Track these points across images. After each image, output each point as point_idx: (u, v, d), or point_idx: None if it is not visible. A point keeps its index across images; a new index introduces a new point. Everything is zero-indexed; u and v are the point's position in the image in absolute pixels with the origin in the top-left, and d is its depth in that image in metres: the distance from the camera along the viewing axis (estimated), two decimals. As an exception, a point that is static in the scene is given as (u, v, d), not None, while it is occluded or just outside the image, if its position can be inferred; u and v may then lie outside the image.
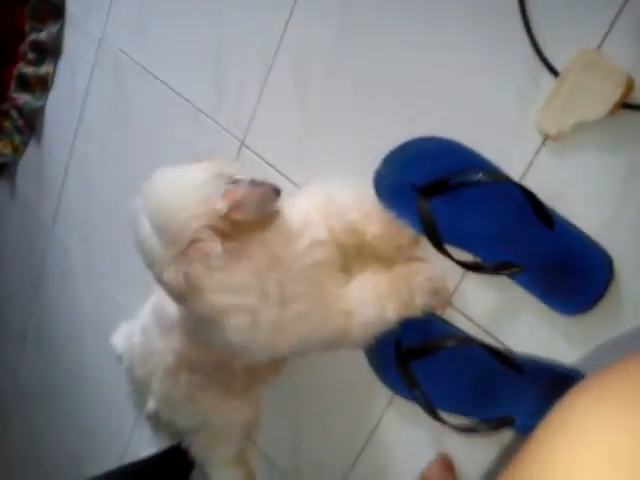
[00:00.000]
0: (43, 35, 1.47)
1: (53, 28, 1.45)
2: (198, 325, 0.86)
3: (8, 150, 1.63)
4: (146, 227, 0.76)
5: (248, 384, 1.08)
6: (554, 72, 0.76)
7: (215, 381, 1.04)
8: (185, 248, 0.73)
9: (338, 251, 0.90)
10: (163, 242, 0.75)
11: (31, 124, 1.58)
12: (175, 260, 0.74)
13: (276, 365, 1.08)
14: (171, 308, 1.00)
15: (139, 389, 1.14)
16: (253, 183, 0.76)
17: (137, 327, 1.11)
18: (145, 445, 1.28)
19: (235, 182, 0.75)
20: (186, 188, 0.76)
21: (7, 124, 1.60)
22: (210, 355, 0.98)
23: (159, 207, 0.76)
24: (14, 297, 1.82)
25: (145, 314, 1.10)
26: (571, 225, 0.77)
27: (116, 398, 1.44)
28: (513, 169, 0.81)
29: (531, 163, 0.80)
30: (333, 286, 0.89)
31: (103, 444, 1.57)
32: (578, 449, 0.43)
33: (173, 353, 1.01)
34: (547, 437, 0.46)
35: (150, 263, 0.78)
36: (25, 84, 1.53)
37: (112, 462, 1.49)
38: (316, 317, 0.86)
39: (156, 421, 1.14)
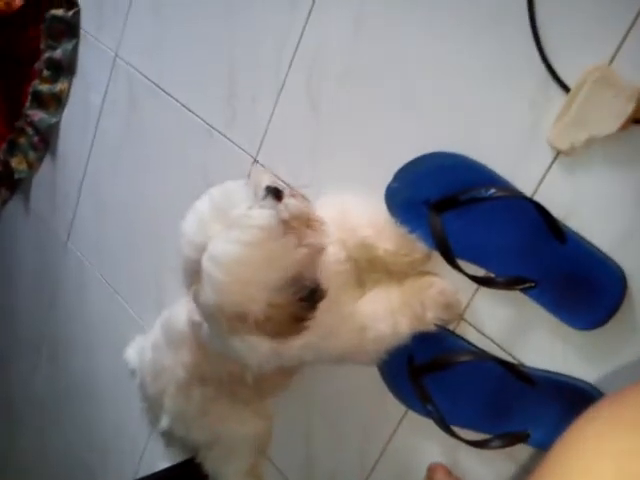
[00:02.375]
0: (58, 53, 1.49)
1: (68, 46, 1.48)
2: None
3: (23, 166, 1.65)
4: (210, 296, 0.75)
5: (260, 394, 1.09)
6: (565, 87, 0.76)
7: (227, 392, 1.04)
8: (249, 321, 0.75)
9: (351, 266, 0.91)
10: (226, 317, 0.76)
11: (46, 140, 1.60)
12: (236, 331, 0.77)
13: (287, 375, 1.08)
14: (180, 323, 1.00)
15: (152, 406, 1.14)
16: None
17: (148, 343, 1.11)
18: (159, 459, 1.28)
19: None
20: (257, 262, 0.73)
21: (22, 140, 1.62)
22: (223, 366, 0.98)
23: (228, 282, 0.73)
24: (28, 310, 1.84)
25: (156, 330, 1.11)
26: (584, 240, 0.78)
27: (129, 412, 1.45)
28: (525, 184, 0.81)
29: (543, 178, 0.80)
30: (346, 301, 0.89)
31: (116, 458, 1.57)
32: (590, 473, 0.43)
33: (183, 367, 1.01)
34: (560, 460, 0.46)
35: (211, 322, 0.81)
36: (40, 101, 1.55)
37: (126, 476, 1.49)
38: (326, 328, 0.86)
39: (170, 438, 1.14)
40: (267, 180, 0.77)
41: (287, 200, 0.75)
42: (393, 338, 0.87)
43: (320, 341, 0.87)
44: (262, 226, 0.72)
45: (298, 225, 0.75)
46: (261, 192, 0.75)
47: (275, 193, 0.75)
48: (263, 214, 0.72)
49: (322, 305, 0.80)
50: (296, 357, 0.87)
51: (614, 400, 0.49)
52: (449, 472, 0.91)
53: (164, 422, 1.09)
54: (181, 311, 1.00)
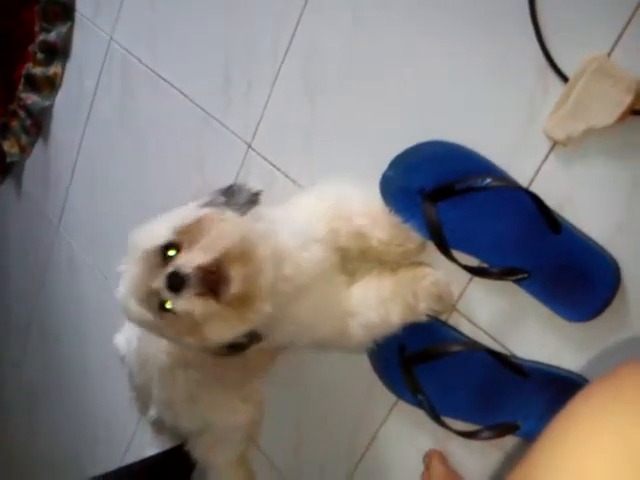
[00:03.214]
0: (52, 36, 1.48)
1: (62, 29, 1.46)
2: None
3: (15, 149, 1.64)
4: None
5: (245, 376, 1.08)
6: (564, 78, 0.76)
7: (212, 376, 1.03)
8: None
9: (341, 254, 0.90)
10: None
11: (39, 124, 1.59)
12: None
13: (270, 355, 1.08)
14: None
15: (141, 395, 1.13)
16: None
17: (135, 331, 1.11)
18: (147, 446, 1.28)
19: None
20: None
21: (15, 124, 1.61)
22: None
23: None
24: (19, 295, 1.83)
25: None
26: (578, 231, 0.77)
27: (118, 398, 1.44)
28: (521, 174, 0.81)
29: (539, 168, 0.80)
30: (330, 290, 0.89)
31: (105, 443, 1.57)
32: (590, 446, 0.42)
33: (166, 352, 1.00)
34: (559, 435, 0.46)
35: None
36: (33, 84, 1.54)
37: (114, 462, 1.48)
38: (305, 321, 0.87)
39: (159, 427, 1.14)
40: (179, 263, 0.72)
41: (183, 297, 0.71)
42: (383, 326, 0.87)
43: (298, 330, 0.88)
44: (138, 320, 0.77)
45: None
46: (163, 279, 0.72)
47: (173, 286, 0.71)
48: (144, 313, 0.75)
49: (303, 303, 0.84)
50: (272, 342, 0.88)
51: (609, 377, 0.49)
52: (445, 459, 0.91)
53: (153, 411, 1.09)
54: None
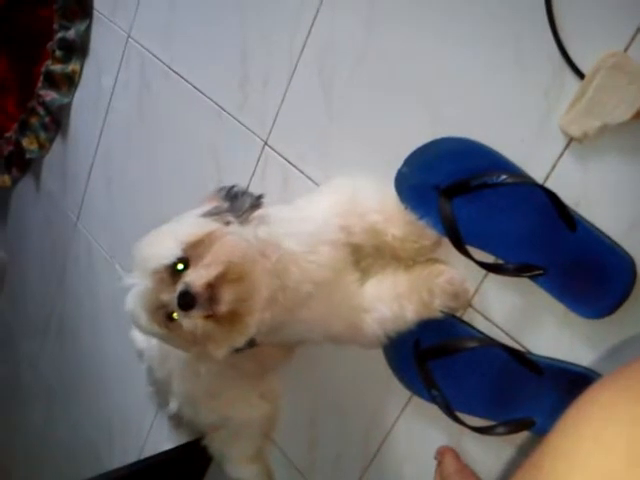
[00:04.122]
0: (71, 33, 1.49)
1: (81, 26, 1.48)
2: None
3: (34, 146, 1.66)
4: None
5: (262, 368, 1.09)
6: (580, 74, 0.76)
7: (229, 366, 1.04)
8: None
9: (356, 251, 0.91)
10: None
11: (57, 121, 1.60)
12: None
13: (286, 349, 1.09)
14: None
15: (161, 390, 1.14)
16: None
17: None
18: (164, 440, 1.29)
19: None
20: None
21: (34, 121, 1.63)
22: None
23: None
24: (37, 290, 1.85)
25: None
26: (594, 228, 0.77)
27: (136, 392, 1.46)
28: (536, 171, 0.81)
29: (554, 165, 0.80)
30: (347, 285, 0.89)
31: (122, 438, 1.58)
32: (601, 439, 0.42)
33: None
34: (570, 428, 0.46)
35: None
36: (52, 81, 1.56)
37: (131, 456, 1.50)
38: (324, 314, 0.87)
39: (178, 421, 1.15)
40: (189, 281, 0.74)
41: (190, 316, 0.74)
42: (397, 322, 0.87)
43: (310, 329, 0.89)
44: (148, 332, 0.80)
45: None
46: (175, 297, 0.74)
47: (184, 305, 0.73)
48: (154, 326, 0.77)
49: (313, 305, 0.85)
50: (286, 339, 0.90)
51: (623, 371, 0.49)
52: (457, 456, 0.91)
53: (173, 405, 1.10)
54: None
